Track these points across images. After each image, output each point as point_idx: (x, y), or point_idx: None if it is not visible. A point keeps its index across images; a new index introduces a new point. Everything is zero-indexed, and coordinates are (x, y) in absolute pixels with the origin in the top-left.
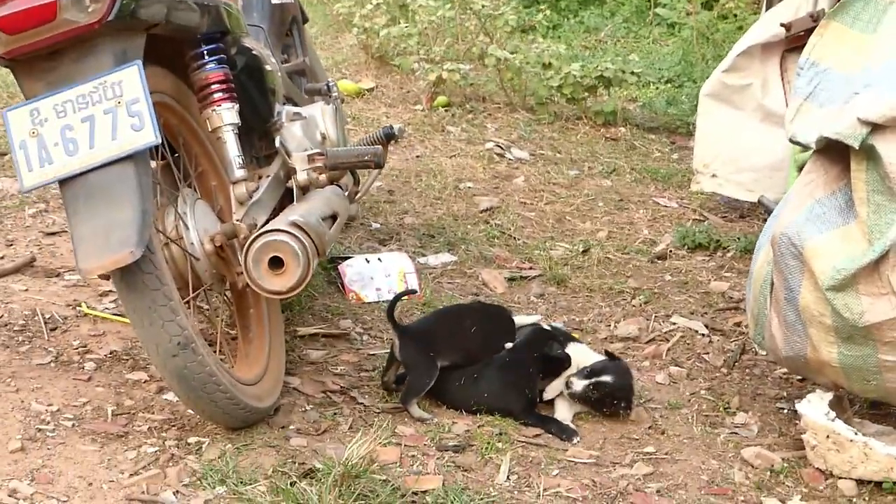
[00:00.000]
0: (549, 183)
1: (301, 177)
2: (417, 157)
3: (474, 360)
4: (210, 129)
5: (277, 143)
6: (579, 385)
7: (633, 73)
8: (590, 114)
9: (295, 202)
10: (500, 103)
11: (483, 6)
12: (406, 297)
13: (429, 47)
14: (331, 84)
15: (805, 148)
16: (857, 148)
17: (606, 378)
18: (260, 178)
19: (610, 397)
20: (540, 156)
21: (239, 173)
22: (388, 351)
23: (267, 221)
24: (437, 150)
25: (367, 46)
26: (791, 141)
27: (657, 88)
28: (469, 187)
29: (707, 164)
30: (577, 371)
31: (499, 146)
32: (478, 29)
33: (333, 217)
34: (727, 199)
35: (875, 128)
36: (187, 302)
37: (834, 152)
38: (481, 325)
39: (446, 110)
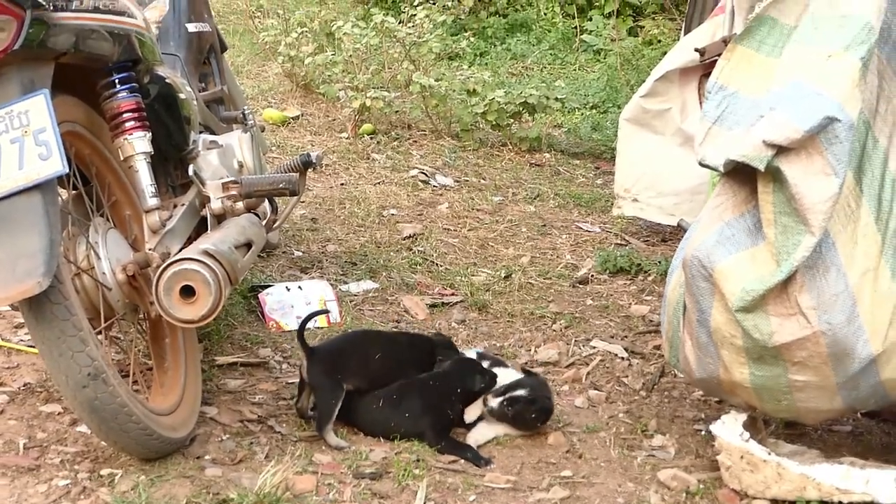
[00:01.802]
0: (473, 209)
1: (215, 205)
2: (342, 184)
3: (381, 385)
4: (122, 158)
5: (191, 172)
6: (494, 402)
7: (556, 99)
8: (514, 140)
9: (209, 231)
10: (426, 130)
11: (407, 34)
12: (327, 325)
13: (354, 75)
14: (247, 112)
15: (716, 171)
16: (763, 170)
17: (520, 392)
18: (175, 206)
19: (526, 412)
20: (464, 182)
21: (152, 202)
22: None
23: (181, 250)
24: (361, 178)
25: (292, 74)
26: (700, 164)
27: (582, 114)
28: (393, 214)
29: (628, 188)
30: (492, 390)
31: (423, 173)
32: (402, 56)
33: (248, 245)
34: (649, 222)
35: (780, 150)
36: (99, 332)
37: (742, 175)
38: (392, 349)
39: (372, 138)
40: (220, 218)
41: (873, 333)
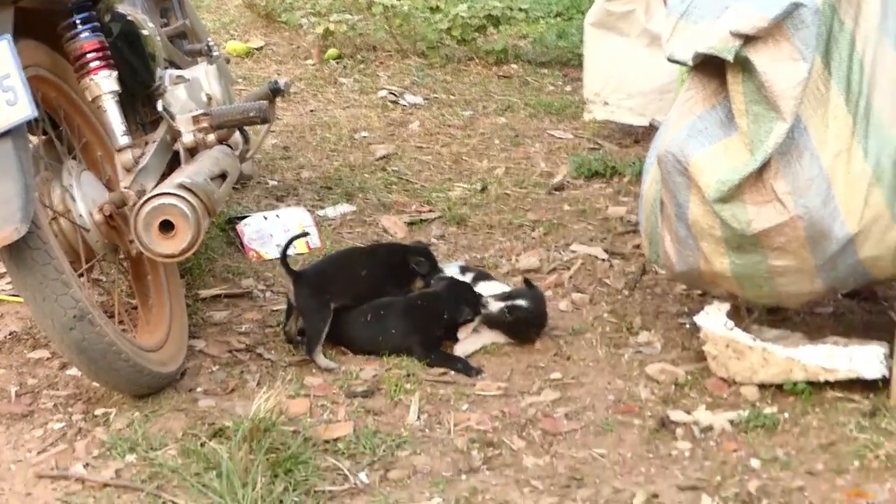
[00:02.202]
0: (445, 125)
1: (187, 139)
2: (311, 111)
3: (366, 299)
4: (90, 99)
5: (160, 107)
6: (495, 307)
7: (520, 9)
8: (481, 54)
9: (183, 165)
10: (391, 51)
11: None
12: (307, 251)
13: (315, 1)
14: (211, 43)
15: (684, 66)
16: (732, 61)
17: (520, 302)
18: (146, 143)
19: (524, 321)
20: (434, 99)
21: (123, 140)
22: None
23: (156, 186)
24: (330, 103)
25: (252, 5)
26: (669, 60)
27: (547, 23)
28: (364, 136)
29: (598, 92)
30: (492, 294)
31: (392, 93)
32: None
33: (223, 176)
34: (621, 125)
35: (748, 39)
36: (81, 274)
37: (711, 67)
38: (372, 262)
39: (337, 62)
40: (192, 151)
41: (849, 214)
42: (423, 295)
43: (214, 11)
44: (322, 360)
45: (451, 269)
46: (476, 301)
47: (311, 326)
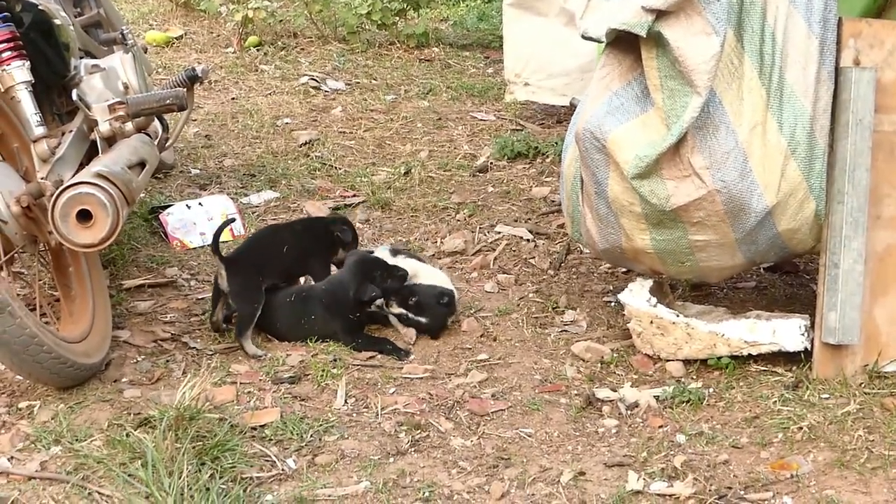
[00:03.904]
0: (367, 110)
1: (104, 128)
2: (233, 99)
3: (296, 274)
4: (3, 90)
5: (74, 97)
6: (396, 310)
7: None
8: (402, 38)
9: (100, 154)
10: (312, 37)
11: None
12: (231, 238)
13: None
14: (125, 31)
15: (599, 43)
16: (645, 36)
17: (415, 316)
18: (63, 134)
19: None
20: (356, 84)
21: (38, 131)
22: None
23: (73, 176)
24: (252, 90)
25: None
26: (583, 37)
27: (467, 5)
28: (287, 123)
29: (518, 73)
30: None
31: (314, 79)
32: None
33: (141, 164)
34: (542, 105)
35: (660, 14)
36: (0, 267)
37: (625, 43)
38: (295, 238)
39: (258, 50)
40: (110, 141)
41: (766, 187)
42: (332, 279)
43: (132, 1)
44: (250, 346)
45: (381, 252)
46: (384, 277)
47: (244, 309)
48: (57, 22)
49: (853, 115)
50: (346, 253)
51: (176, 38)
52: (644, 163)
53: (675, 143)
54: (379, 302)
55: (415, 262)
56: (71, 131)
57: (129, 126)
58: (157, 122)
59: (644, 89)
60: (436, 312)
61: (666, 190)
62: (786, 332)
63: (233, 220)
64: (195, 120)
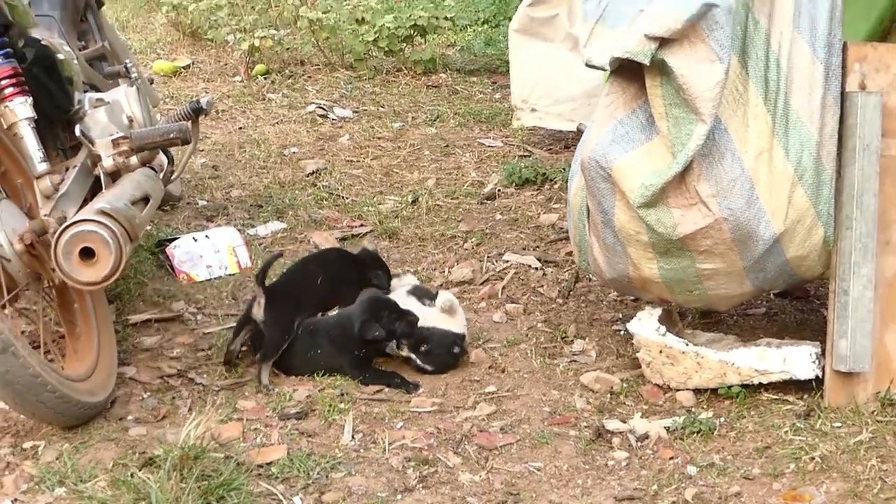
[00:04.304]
0: (374, 138)
1: (107, 163)
2: (240, 128)
3: (328, 307)
4: (6, 126)
5: (77, 132)
6: (405, 352)
7: (446, 18)
8: (409, 64)
9: (104, 189)
10: (320, 64)
11: None
12: (237, 270)
13: (240, 17)
14: (129, 65)
15: (603, 70)
16: (649, 64)
17: (420, 362)
18: (67, 169)
19: (440, 359)
20: (363, 112)
21: (41, 167)
22: (230, 325)
23: (77, 213)
24: (259, 119)
25: (178, 23)
26: (587, 65)
27: (474, 30)
28: (294, 152)
29: (525, 99)
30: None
31: (321, 107)
32: None
33: (145, 199)
34: (550, 131)
35: (663, 42)
36: (3, 305)
37: (629, 71)
38: (328, 271)
39: (265, 78)
40: (114, 175)
41: (774, 214)
42: (341, 313)
43: (141, 31)
44: (266, 375)
45: (402, 289)
46: (392, 319)
47: (274, 338)
48: (60, 56)
49: (860, 140)
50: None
51: (183, 67)
52: (650, 191)
53: (680, 171)
54: (391, 345)
55: (430, 311)
56: (75, 166)
57: (134, 160)
58: (162, 155)
59: (649, 117)
60: (443, 362)
61: (672, 218)
62: (796, 359)
63: (279, 255)
64: (202, 150)
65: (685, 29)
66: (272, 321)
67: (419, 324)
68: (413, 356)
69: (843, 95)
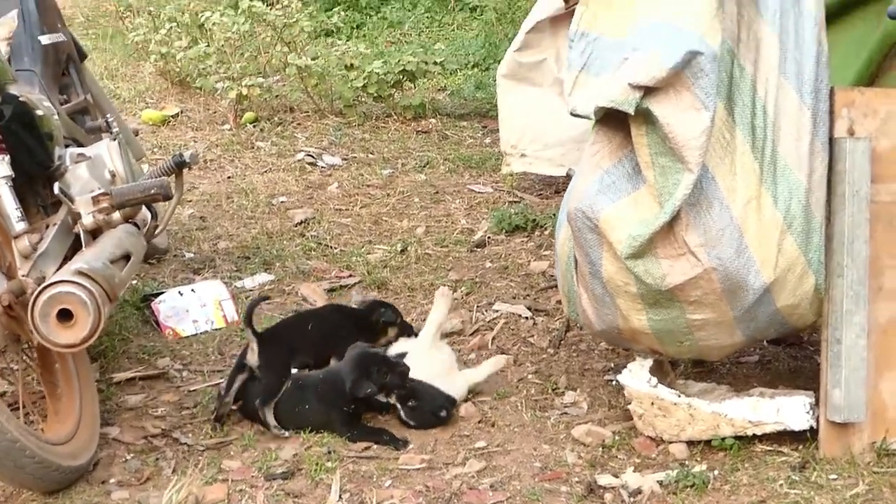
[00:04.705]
0: (364, 185)
1: (87, 220)
2: (229, 177)
3: (324, 360)
4: None
5: (56, 190)
6: (398, 406)
7: (435, 62)
8: (399, 109)
9: (84, 248)
10: (309, 111)
11: (277, 16)
12: (224, 325)
13: (228, 65)
14: (110, 119)
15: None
16: (633, 113)
17: (404, 415)
18: (46, 227)
19: (424, 418)
20: (352, 159)
21: (19, 227)
22: (216, 382)
23: (56, 273)
24: (248, 168)
25: (166, 72)
26: (572, 114)
27: (464, 74)
28: (282, 202)
29: (514, 144)
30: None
31: (310, 155)
32: (275, 39)
33: (126, 257)
34: (540, 176)
35: (647, 91)
36: None
37: (615, 120)
38: (324, 326)
39: (254, 126)
40: (95, 233)
41: (763, 263)
42: (330, 369)
43: (129, 79)
44: (271, 417)
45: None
46: (383, 373)
47: (271, 380)
48: (39, 112)
49: (849, 186)
50: (400, 328)
51: (172, 116)
52: (637, 242)
53: (668, 221)
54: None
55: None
56: (55, 224)
57: (116, 216)
58: (145, 210)
59: (635, 167)
60: (427, 421)
61: (661, 269)
62: (790, 410)
63: (265, 298)
64: (190, 201)
65: (670, 77)
66: (266, 364)
67: (413, 375)
68: (399, 407)
69: (832, 141)
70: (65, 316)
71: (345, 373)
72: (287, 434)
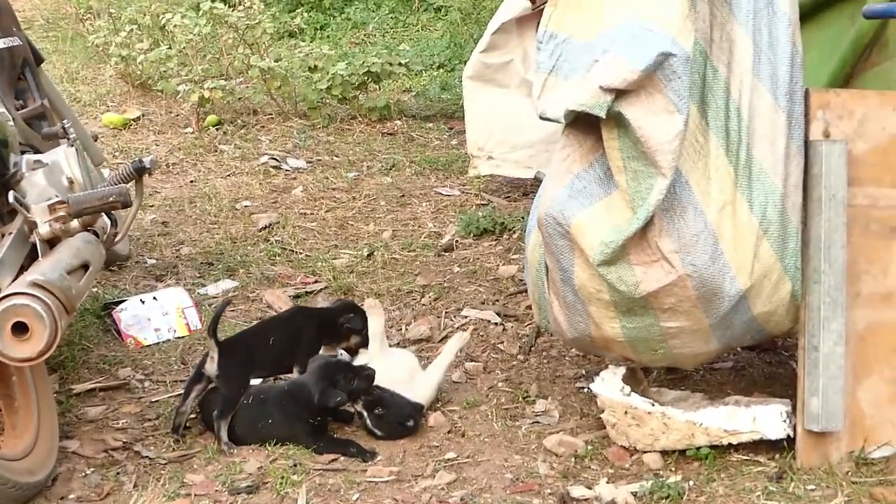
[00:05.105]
0: (329, 189)
1: (43, 230)
2: (191, 182)
3: (287, 369)
4: None
5: (11, 199)
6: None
7: (400, 63)
8: (364, 111)
9: (40, 258)
10: (272, 113)
11: (239, 18)
12: (187, 333)
13: (190, 67)
14: (66, 125)
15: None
16: (605, 117)
17: (372, 426)
18: (1, 236)
19: (391, 427)
20: (317, 162)
21: None
22: (178, 393)
23: (11, 284)
24: (210, 172)
25: (127, 75)
26: (541, 118)
27: (429, 75)
28: (246, 206)
29: (481, 146)
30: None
31: (274, 158)
32: (238, 41)
33: (84, 267)
34: (508, 178)
35: (619, 94)
36: None
37: (585, 124)
38: (287, 329)
39: (217, 129)
40: (52, 242)
41: (739, 269)
42: (294, 382)
43: (90, 83)
44: (224, 432)
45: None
46: (350, 380)
47: (229, 391)
48: None
49: (826, 190)
50: (362, 336)
51: (133, 119)
52: (610, 248)
53: (641, 226)
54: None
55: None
56: (11, 234)
57: (74, 224)
58: (105, 217)
59: (606, 171)
60: (394, 431)
61: (634, 276)
62: (766, 419)
63: (229, 303)
64: (152, 206)
65: (641, 79)
66: (225, 374)
67: (379, 382)
68: (365, 415)
69: (807, 144)
70: (20, 329)
71: (311, 384)
72: (234, 451)
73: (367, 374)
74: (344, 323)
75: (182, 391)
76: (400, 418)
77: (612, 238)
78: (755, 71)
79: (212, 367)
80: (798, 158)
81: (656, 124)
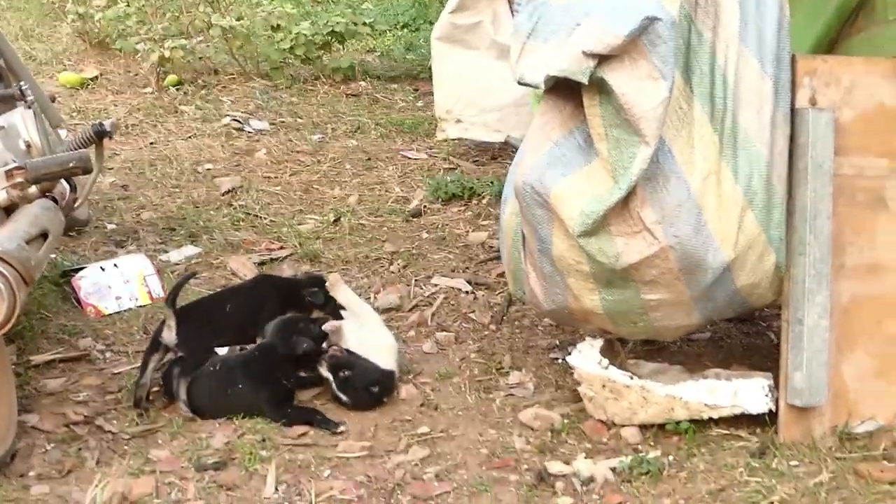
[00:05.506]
0: (293, 151)
1: (0, 196)
2: (151, 144)
3: (250, 338)
4: None
5: None
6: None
7: (364, 23)
8: (327, 72)
9: None
10: (234, 73)
11: None
12: (149, 301)
13: (150, 25)
14: (24, 86)
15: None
16: (587, 83)
17: (340, 394)
18: None
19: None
20: (280, 124)
21: None
22: (139, 364)
23: None
24: (171, 134)
25: (84, 33)
26: (519, 83)
27: (394, 35)
28: (208, 169)
29: (450, 109)
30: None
31: (236, 120)
32: (198, 0)
33: (44, 235)
34: (476, 142)
35: (601, 59)
36: None
37: (565, 89)
38: (251, 298)
39: (178, 89)
40: (9, 209)
41: (723, 240)
42: (258, 346)
43: (46, 40)
44: (183, 392)
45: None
46: (309, 332)
47: (191, 356)
48: None
49: (812, 159)
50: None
51: (91, 79)
52: (590, 219)
53: (623, 196)
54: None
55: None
56: None
57: (33, 190)
58: (63, 183)
59: (587, 138)
60: (360, 398)
61: (615, 247)
62: (748, 393)
63: (192, 276)
64: (111, 169)
65: (626, 44)
66: (186, 341)
67: (347, 346)
68: (331, 378)
69: (794, 112)
70: None
71: (277, 341)
72: (188, 411)
73: (322, 321)
74: (306, 296)
75: None
76: (366, 382)
77: (592, 208)
78: (742, 36)
79: (170, 336)
80: (784, 127)
81: (640, 91)
